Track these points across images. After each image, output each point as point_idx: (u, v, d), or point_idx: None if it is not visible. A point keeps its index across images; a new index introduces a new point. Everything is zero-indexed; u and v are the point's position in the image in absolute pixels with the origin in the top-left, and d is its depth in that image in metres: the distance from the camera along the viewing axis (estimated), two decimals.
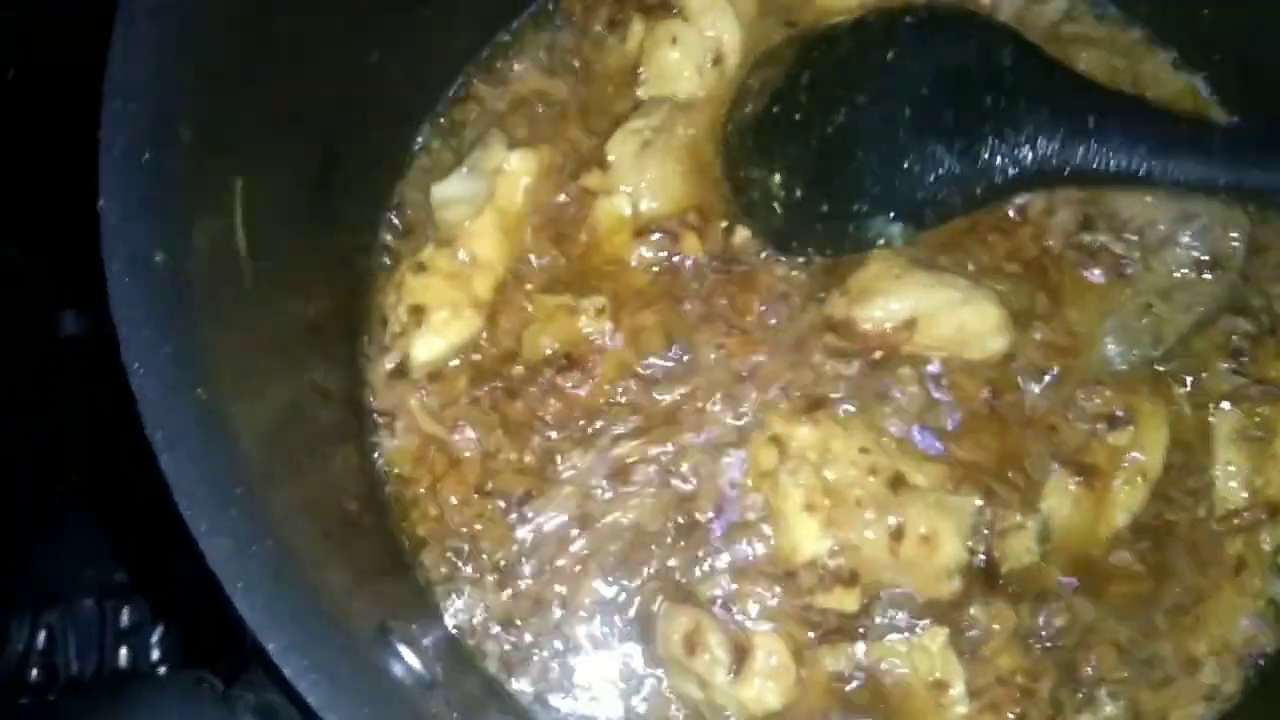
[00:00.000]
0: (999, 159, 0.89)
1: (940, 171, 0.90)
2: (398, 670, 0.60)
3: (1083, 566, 0.93)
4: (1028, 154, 0.88)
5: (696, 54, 1.03)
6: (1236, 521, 0.95)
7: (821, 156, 0.95)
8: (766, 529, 0.92)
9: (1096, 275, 1.00)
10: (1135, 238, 1.00)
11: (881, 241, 0.94)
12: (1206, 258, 0.98)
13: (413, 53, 0.98)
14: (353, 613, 0.59)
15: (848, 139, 0.93)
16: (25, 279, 1.17)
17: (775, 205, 0.97)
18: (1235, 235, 0.99)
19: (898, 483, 0.89)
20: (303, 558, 0.56)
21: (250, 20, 0.69)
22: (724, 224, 1.01)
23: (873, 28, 0.95)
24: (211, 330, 0.60)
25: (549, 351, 0.97)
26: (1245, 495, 0.96)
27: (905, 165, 0.91)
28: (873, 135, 0.92)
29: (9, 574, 1.20)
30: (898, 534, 0.87)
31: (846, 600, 0.88)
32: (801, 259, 0.98)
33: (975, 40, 0.92)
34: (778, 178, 0.96)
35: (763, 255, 0.99)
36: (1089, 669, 0.91)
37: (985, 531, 0.90)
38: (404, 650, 0.60)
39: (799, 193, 0.96)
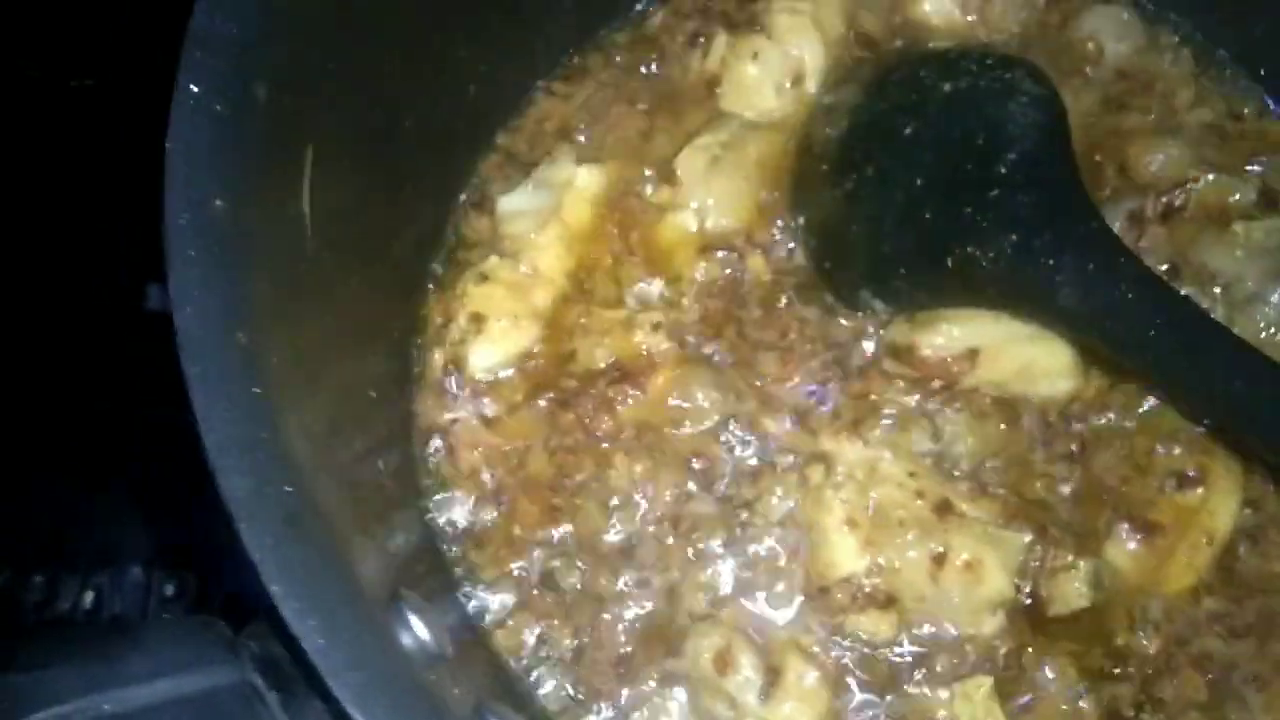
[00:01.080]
0: (975, 265, 0.84)
1: (915, 255, 0.88)
2: (406, 639, 0.59)
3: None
4: (1002, 271, 0.82)
5: (777, 73, 1.03)
6: None
7: (835, 206, 0.95)
8: (805, 548, 0.90)
9: None
10: (1221, 292, 0.96)
11: (871, 311, 0.94)
12: None
13: (497, 52, 0.99)
14: (366, 574, 0.58)
15: (864, 198, 0.92)
16: (114, 252, 1.22)
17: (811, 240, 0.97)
18: None
19: (944, 509, 0.86)
20: (322, 510, 0.55)
21: None
22: (790, 246, 1.00)
23: (921, 77, 0.93)
24: (263, 284, 0.61)
25: (604, 364, 0.96)
26: None
27: (890, 240, 0.89)
28: (882, 200, 0.91)
29: (68, 533, 1.23)
30: (940, 559, 0.84)
31: (882, 624, 0.85)
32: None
33: (1019, 124, 0.87)
34: (802, 218, 0.97)
35: None
36: None
37: (1034, 566, 0.86)
38: (415, 620, 0.60)
39: (813, 242, 0.96)
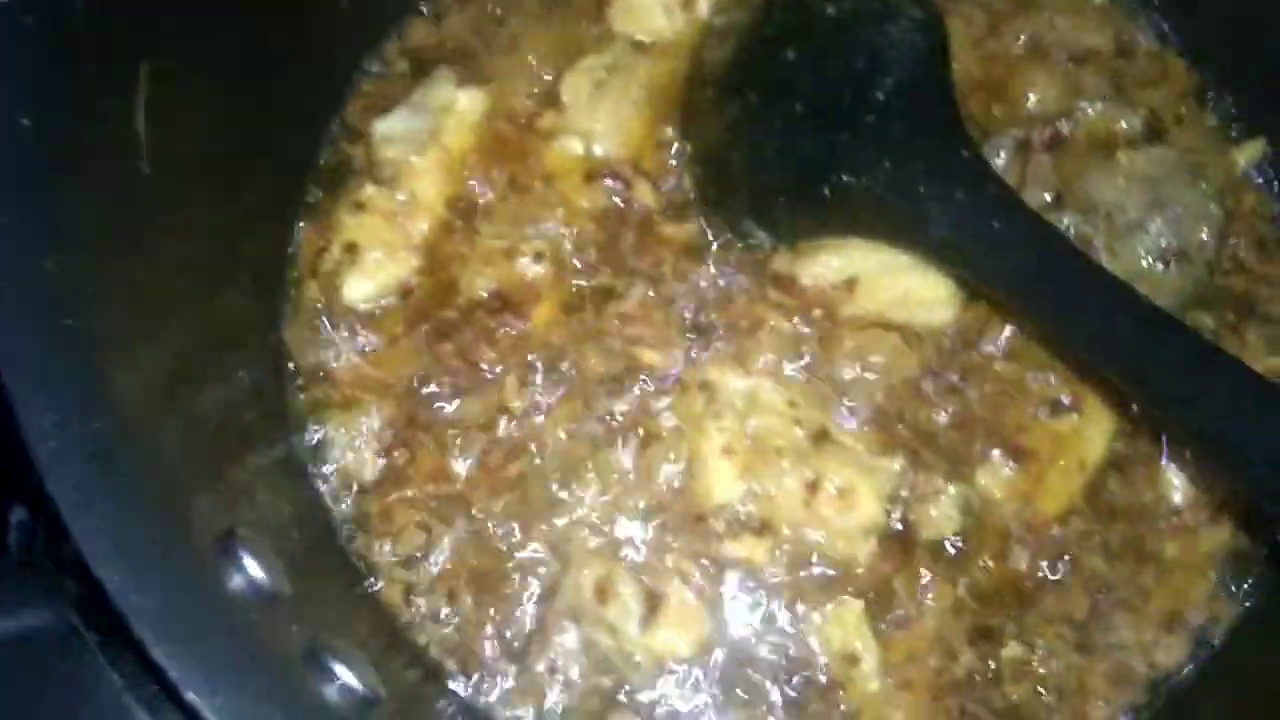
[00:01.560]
0: (852, 193, 0.84)
1: (795, 184, 0.87)
2: (236, 580, 0.57)
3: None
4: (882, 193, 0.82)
5: None
6: (1175, 520, 0.92)
7: (719, 133, 0.93)
8: (685, 476, 0.90)
9: None
10: (1104, 222, 0.96)
11: (753, 242, 0.93)
12: (1174, 247, 0.94)
13: None
14: (197, 513, 0.56)
15: (746, 124, 0.91)
16: None
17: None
18: (1206, 227, 0.95)
19: (821, 437, 0.87)
20: (145, 447, 0.53)
21: None
22: (680, 174, 0.98)
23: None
24: (83, 208, 0.58)
25: (484, 294, 0.94)
26: (1188, 495, 0.92)
27: (771, 168, 0.88)
28: (763, 127, 0.89)
29: None
30: (813, 486, 0.85)
31: (756, 551, 0.86)
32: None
33: (899, 49, 0.85)
34: (689, 145, 0.95)
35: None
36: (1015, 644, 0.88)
37: (906, 493, 0.87)
38: (249, 560, 0.58)
39: (698, 170, 0.94)
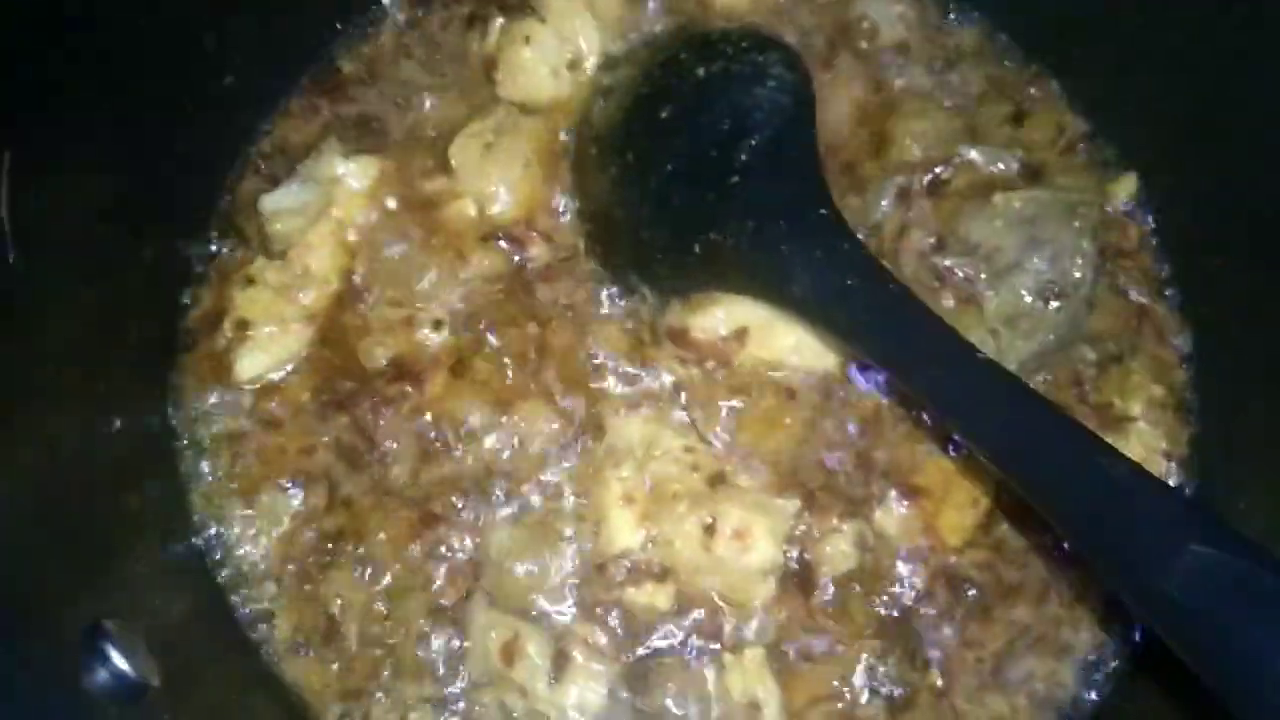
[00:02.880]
0: (719, 251, 0.86)
1: (669, 241, 0.89)
2: (99, 676, 0.56)
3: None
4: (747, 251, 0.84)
5: (552, 56, 1.02)
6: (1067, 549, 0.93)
7: (602, 191, 0.95)
8: (585, 527, 0.90)
9: (948, 300, 0.98)
10: (983, 263, 0.99)
11: (641, 294, 0.95)
12: (1053, 284, 0.97)
13: (256, 41, 0.95)
14: (59, 604, 0.55)
15: (625, 182, 0.92)
16: None
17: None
18: (1080, 263, 0.98)
19: (717, 480, 0.89)
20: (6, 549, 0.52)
21: None
22: (571, 231, 1.00)
23: (692, 54, 0.93)
24: None
25: (384, 362, 0.94)
26: None
27: (648, 226, 0.90)
28: (640, 185, 0.91)
29: None
30: (710, 529, 0.86)
31: (658, 597, 0.87)
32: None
33: (764, 110, 0.88)
34: (578, 202, 0.96)
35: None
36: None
37: (802, 532, 0.89)
38: (115, 654, 0.57)
39: (586, 226, 0.96)
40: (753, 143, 0.85)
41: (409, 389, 0.93)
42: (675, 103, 0.90)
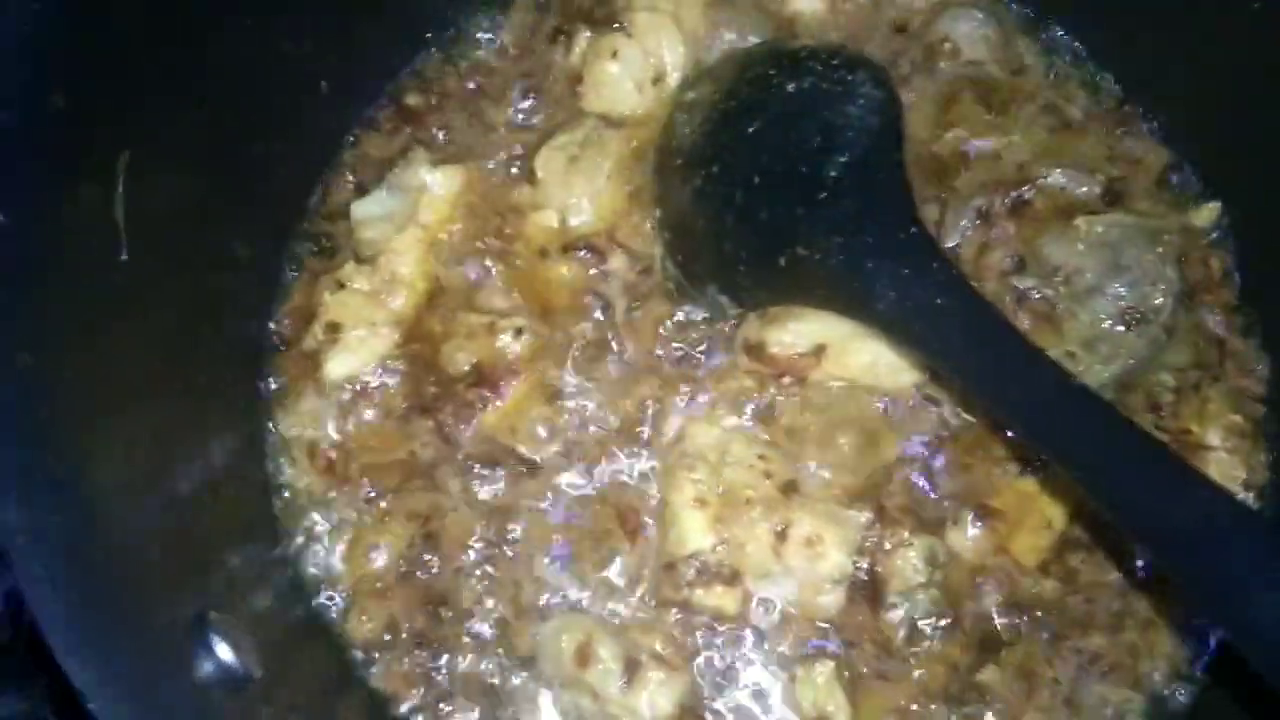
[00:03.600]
0: (804, 265, 0.86)
1: (753, 253, 0.90)
2: (206, 666, 0.58)
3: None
4: (833, 269, 0.84)
5: (637, 71, 1.03)
6: (1141, 576, 0.93)
7: (685, 202, 0.96)
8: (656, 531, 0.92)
9: (1026, 321, 0.98)
10: (1063, 285, 0.99)
11: (721, 306, 0.95)
12: (1133, 309, 0.97)
13: (348, 48, 0.98)
14: (167, 601, 0.57)
15: (709, 194, 0.93)
16: None
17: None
18: (1162, 289, 0.98)
19: (790, 489, 0.89)
20: (116, 540, 0.55)
21: None
22: (653, 244, 1.01)
23: (775, 70, 0.95)
24: (61, 302, 0.59)
25: (466, 368, 0.96)
26: None
27: (731, 237, 0.91)
28: (724, 197, 0.92)
29: None
30: (782, 535, 0.86)
31: (726, 600, 0.87)
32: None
33: (854, 128, 0.88)
34: (659, 213, 0.97)
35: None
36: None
37: (872, 544, 0.89)
38: (220, 644, 0.59)
39: (667, 236, 0.97)
40: (842, 159, 0.86)
41: (487, 394, 0.94)
42: (763, 117, 0.91)
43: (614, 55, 1.03)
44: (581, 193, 1.00)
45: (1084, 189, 1.04)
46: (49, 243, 0.59)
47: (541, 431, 0.95)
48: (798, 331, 0.92)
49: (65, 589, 0.50)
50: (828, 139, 0.87)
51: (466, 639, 0.90)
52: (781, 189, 0.88)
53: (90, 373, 0.60)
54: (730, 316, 0.96)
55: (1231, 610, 0.63)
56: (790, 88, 0.91)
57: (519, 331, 0.97)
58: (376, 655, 0.89)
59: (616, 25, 1.04)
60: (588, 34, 1.06)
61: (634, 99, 1.04)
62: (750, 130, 0.91)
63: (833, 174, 0.85)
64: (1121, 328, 0.97)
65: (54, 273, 0.59)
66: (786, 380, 0.94)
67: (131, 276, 0.69)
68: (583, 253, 1.00)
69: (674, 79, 1.04)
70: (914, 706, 0.88)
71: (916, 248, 0.83)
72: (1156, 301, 0.98)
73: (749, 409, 0.94)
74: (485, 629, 0.91)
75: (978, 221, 1.01)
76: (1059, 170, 1.05)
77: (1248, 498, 0.96)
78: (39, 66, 0.60)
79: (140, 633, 0.53)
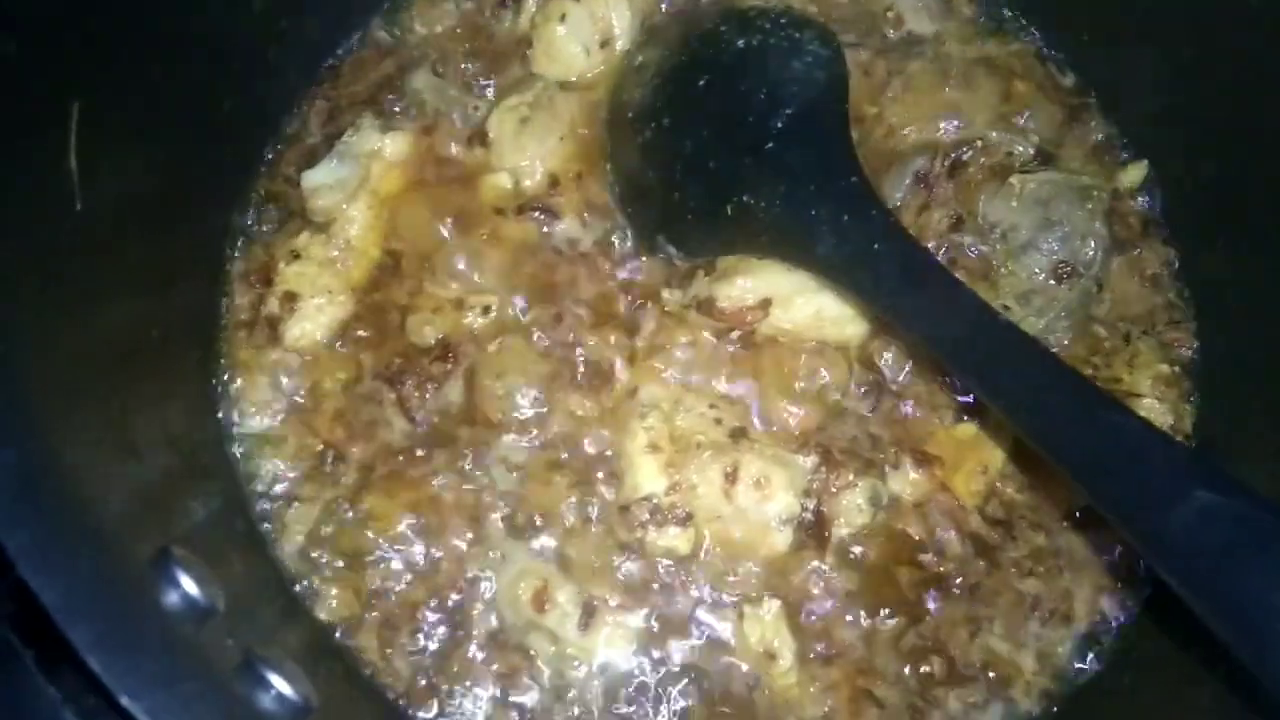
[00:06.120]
0: (751, 212, 0.90)
1: (701, 203, 0.93)
2: (171, 596, 0.60)
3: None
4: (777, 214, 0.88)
5: (585, 34, 1.05)
6: (1079, 515, 0.97)
7: (635, 155, 0.99)
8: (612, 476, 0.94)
9: (961, 276, 1.01)
10: (999, 242, 1.03)
11: (667, 256, 0.99)
12: (1065, 264, 1.01)
13: (298, 11, 0.98)
14: (128, 533, 0.59)
15: (659, 147, 0.96)
16: None
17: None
18: (1092, 244, 1.02)
19: (739, 435, 0.93)
20: (77, 473, 0.56)
21: None
22: (606, 201, 1.03)
23: (728, 28, 0.97)
24: (13, 239, 0.60)
25: (432, 341, 0.97)
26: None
27: (680, 188, 0.94)
28: (673, 149, 0.95)
29: None
30: (732, 476, 0.90)
31: (680, 541, 0.90)
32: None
33: (800, 82, 0.92)
34: (610, 166, 1.00)
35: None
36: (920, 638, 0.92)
37: (819, 487, 0.92)
38: (184, 577, 0.60)
39: (618, 189, 1.00)
40: (788, 111, 0.89)
41: (450, 366, 0.96)
42: (713, 72, 0.94)
43: (562, 19, 1.05)
44: (534, 154, 1.02)
45: (1019, 149, 1.08)
46: (5, 188, 0.60)
47: (500, 391, 0.97)
48: (744, 286, 0.95)
49: (32, 520, 0.51)
50: (774, 92, 0.91)
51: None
52: (729, 140, 0.91)
53: (47, 324, 0.61)
54: (680, 268, 0.98)
55: (1150, 530, 0.67)
56: (739, 43, 0.95)
57: (486, 310, 0.98)
58: (331, 595, 0.90)
59: None
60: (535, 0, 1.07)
61: (583, 61, 1.06)
62: (700, 84, 0.94)
63: (778, 125, 0.88)
64: (1054, 281, 1.01)
65: (13, 220, 0.60)
66: (735, 333, 0.96)
67: (86, 229, 0.70)
68: (536, 213, 1.02)
69: (622, 42, 1.06)
70: (860, 644, 0.91)
71: (856, 195, 0.86)
72: (1086, 256, 1.02)
73: (700, 366, 0.96)
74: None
75: (918, 180, 1.05)
76: (995, 131, 1.08)
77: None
78: None
79: (107, 561, 0.54)
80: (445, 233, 1.02)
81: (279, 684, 0.64)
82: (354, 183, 1.00)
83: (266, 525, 0.91)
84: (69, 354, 0.64)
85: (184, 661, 0.54)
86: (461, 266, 1.00)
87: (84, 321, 0.68)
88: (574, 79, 1.06)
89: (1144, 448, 0.68)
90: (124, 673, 0.51)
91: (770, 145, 0.88)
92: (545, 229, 1.02)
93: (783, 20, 0.98)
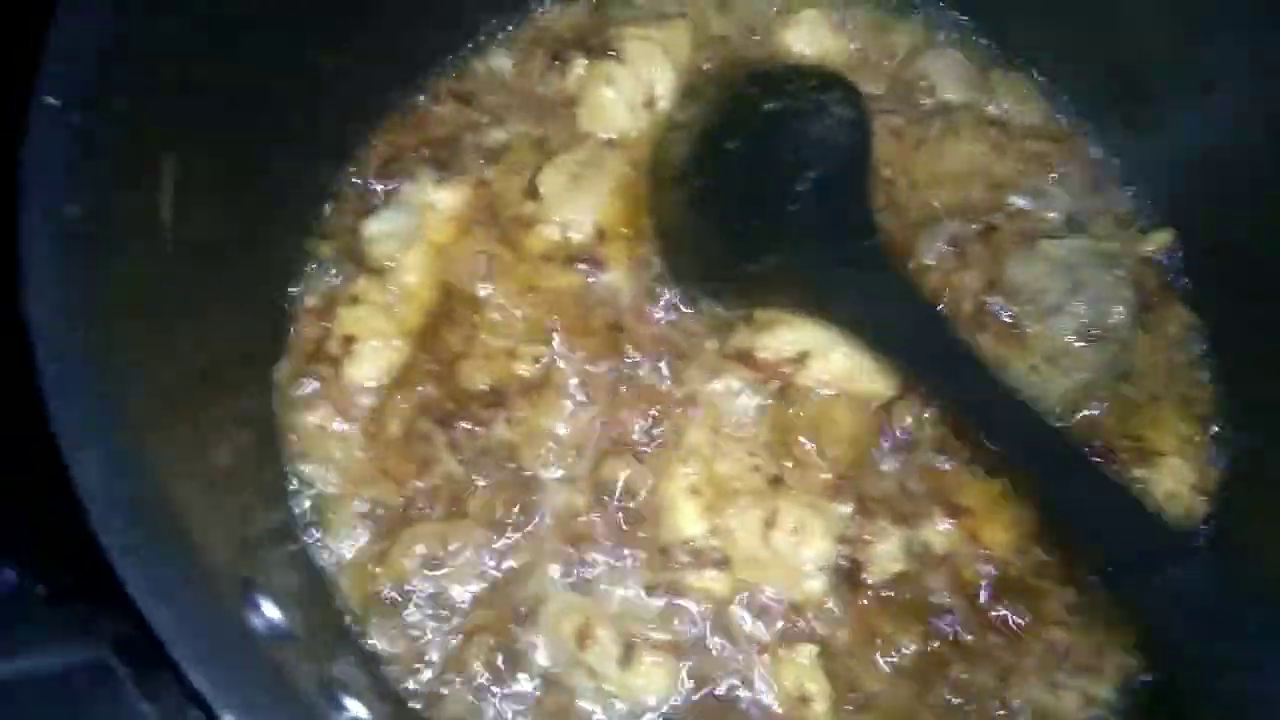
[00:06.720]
0: (776, 271, 0.95)
1: (732, 260, 0.98)
2: (255, 621, 0.63)
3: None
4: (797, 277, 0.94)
5: (630, 95, 1.10)
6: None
7: (676, 213, 1.04)
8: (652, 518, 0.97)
9: (992, 337, 1.05)
10: (1029, 304, 1.06)
11: (709, 309, 1.03)
12: (1093, 327, 1.05)
13: (359, 70, 1.03)
14: (217, 561, 0.62)
15: (694, 206, 1.01)
16: None
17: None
18: (1120, 308, 1.06)
19: (777, 482, 0.97)
20: (174, 504, 0.59)
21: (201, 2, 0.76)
22: (650, 256, 1.07)
23: (757, 91, 1.03)
24: (117, 286, 0.64)
25: (484, 387, 1.01)
26: None
27: (715, 245, 0.99)
28: (706, 209, 1.00)
29: None
30: (770, 521, 0.93)
31: (716, 583, 0.93)
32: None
33: (824, 145, 0.97)
34: (654, 224, 1.05)
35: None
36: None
37: (853, 534, 0.96)
38: (266, 603, 0.64)
39: (660, 245, 1.05)
40: (812, 174, 0.94)
41: (502, 412, 1.00)
42: (744, 134, 1.00)
43: (608, 81, 1.10)
44: (583, 208, 1.07)
45: (1049, 214, 1.12)
46: (108, 233, 0.64)
47: (550, 444, 1.00)
48: (784, 338, 0.99)
49: (139, 547, 0.54)
50: (800, 155, 0.96)
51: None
52: (757, 201, 0.97)
53: (142, 359, 0.65)
54: (721, 319, 1.02)
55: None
56: (768, 106, 1.00)
57: (536, 359, 1.02)
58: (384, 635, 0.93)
59: (610, 53, 1.11)
60: (584, 61, 1.13)
61: (627, 120, 1.11)
62: (732, 146, 0.99)
63: (803, 188, 0.93)
64: (1082, 344, 1.05)
65: (115, 259, 0.64)
66: (774, 384, 1.00)
67: (175, 271, 0.74)
68: (583, 264, 1.06)
69: (665, 102, 1.11)
70: (897, 689, 0.93)
71: (874, 259, 0.92)
72: (1114, 320, 1.05)
73: (739, 409, 1.00)
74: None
75: (950, 242, 1.09)
76: (1024, 197, 1.13)
77: (1197, 501, 1.03)
78: (107, 72, 0.65)
79: (202, 586, 0.57)
80: (494, 281, 1.06)
81: (354, 708, 0.67)
82: (410, 232, 1.05)
83: (326, 556, 0.95)
84: (160, 387, 0.68)
85: (276, 682, 0.57)
86: (511, 314, 1.04)
87: (170, 361, 0.72)
88: (618, 137, 1.11)
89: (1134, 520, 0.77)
90: (225, 690, 0.54)
91: (794, 207, 0.93)
92: (591, 279, 1.06)
93: (811, 82, 1.03)
